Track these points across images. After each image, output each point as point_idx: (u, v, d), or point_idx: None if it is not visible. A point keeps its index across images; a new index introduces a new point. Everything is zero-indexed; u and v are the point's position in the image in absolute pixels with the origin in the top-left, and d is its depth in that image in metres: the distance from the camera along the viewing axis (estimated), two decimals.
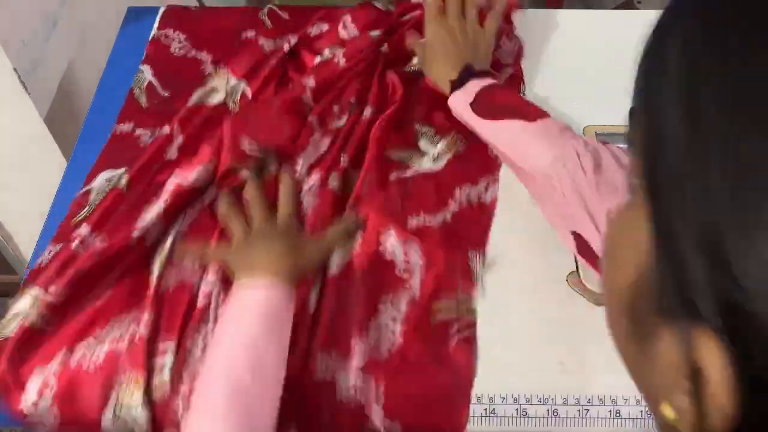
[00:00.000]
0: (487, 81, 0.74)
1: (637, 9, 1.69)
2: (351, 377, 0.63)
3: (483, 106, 0.72)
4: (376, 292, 0.68)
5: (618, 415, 0.63)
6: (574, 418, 0.63)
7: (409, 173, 0.77)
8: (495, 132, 0.72)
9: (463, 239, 0.72)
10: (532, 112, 0.70)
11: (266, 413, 0.57)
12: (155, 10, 0.95)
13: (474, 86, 0.73)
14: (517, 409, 0.64)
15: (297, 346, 0.64)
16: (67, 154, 0.85)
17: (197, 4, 1.15)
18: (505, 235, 0.73)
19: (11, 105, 0.81)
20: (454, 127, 0.79)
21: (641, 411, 0.63)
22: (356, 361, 0.64)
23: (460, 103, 0.74)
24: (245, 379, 0.57)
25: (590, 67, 0.87)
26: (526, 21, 0.94)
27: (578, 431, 0.63)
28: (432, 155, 0.78)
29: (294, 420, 0.61)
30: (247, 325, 0.60)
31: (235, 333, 0.60)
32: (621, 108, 0.76)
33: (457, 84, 0.75)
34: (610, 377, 0.64)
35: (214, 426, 0.55)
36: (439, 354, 0.65)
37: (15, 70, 0.78)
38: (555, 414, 0.63)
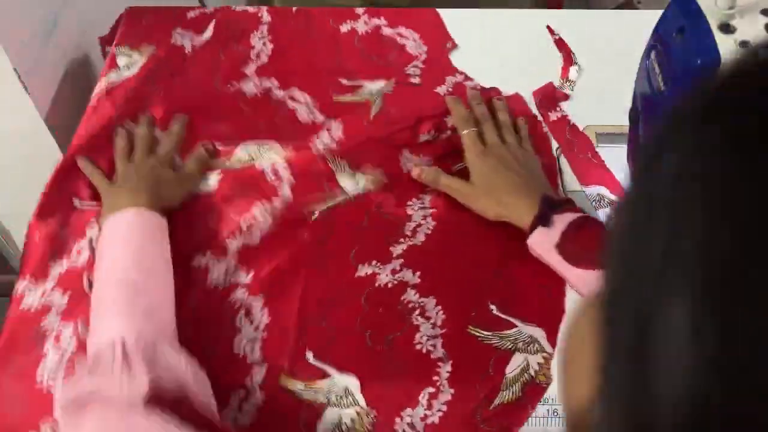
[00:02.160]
0: (570, 215, 0.67)
1: (637, 9, 1.69)
2: None
3: (570, 250, 0.65)
4: None
5: None
6: None
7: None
8: (583, 281, 0.64)
9: None
10: None
11: (165, 307, 0.62)
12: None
13: (559, 223, 0.66)
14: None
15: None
16: None
17: (198, 5, 1.15)
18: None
19: (11, 105, 0.81)
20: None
21: None
22: None
23: (543, 244, 0.67)
24: (136, 278, 0.62)
25: (590, 67, 0.87)
26: (527, 21, 0.94)
27: None
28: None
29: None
30: (124, 240, 0.65)
31: (116, 249, 0.65)
32: (621, 108, 0.77)
33: (538, 219, 0.67)
34: None
35: (119, 321, 0.59)
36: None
37: (15, 70, 0.78)
38: (555, 414, 0.63)
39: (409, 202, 0.75)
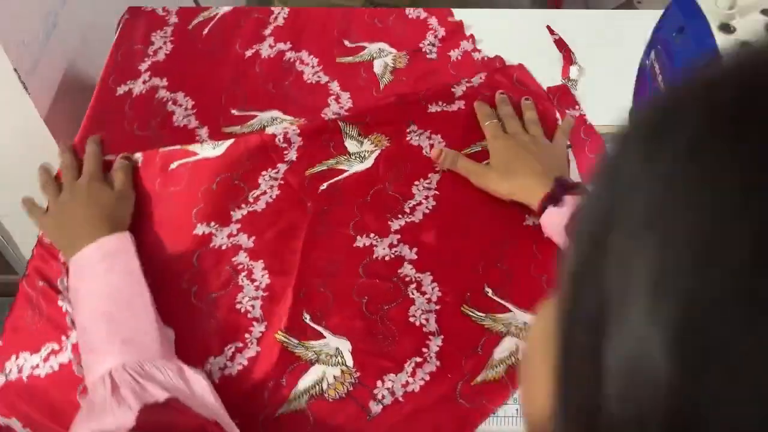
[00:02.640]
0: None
1: (637, 9, 1.69)
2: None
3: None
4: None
5: None
6: None
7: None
8: None
9: None
10: None
11: (143, 329, 0.63)
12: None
13: (570, 204, 0.66)
14: (517, 409, 0.64)
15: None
16: None
17: (193, 5, 1.15)
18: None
19: (11, 105, 0.81)
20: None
21: None
22: None
23: (554, 224, 0.68)
24: (110, 311, 0.63)
25: (590, 67, 0.87)
26: (527, 21, 0.94)
27: None
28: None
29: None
30: (90, 278, 0.66)
31: (85, 288, 0.66)
32: (621, 107, 0.76)
33: (550, 199, 0.68)
34: None
35: (104, 356, 0.61)
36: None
37: (15, 70, 0.78)
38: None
39: (416, 182, 0.76)
